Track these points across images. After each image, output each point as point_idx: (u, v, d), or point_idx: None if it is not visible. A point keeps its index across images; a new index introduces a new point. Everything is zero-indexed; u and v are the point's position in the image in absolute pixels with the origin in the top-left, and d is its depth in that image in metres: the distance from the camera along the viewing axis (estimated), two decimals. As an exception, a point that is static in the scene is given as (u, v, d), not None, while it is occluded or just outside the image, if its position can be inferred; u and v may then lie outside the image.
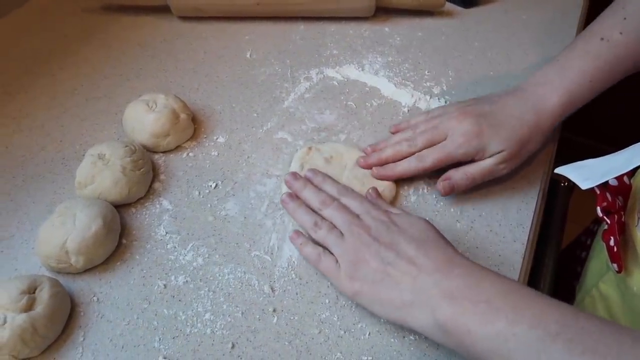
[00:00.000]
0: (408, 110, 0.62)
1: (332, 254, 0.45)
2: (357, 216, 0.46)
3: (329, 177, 0.51)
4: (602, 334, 0.33)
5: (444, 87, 0.65)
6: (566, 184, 0.69)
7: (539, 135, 0.53)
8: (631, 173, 0.52)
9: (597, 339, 0.33)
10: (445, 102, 0.63)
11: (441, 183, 0.52)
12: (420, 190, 0.54)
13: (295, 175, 0.51)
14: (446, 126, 0.52)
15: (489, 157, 0.51)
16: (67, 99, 0.62)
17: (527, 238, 0.51)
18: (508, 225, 0.51)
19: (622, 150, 0.48)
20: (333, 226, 0.46)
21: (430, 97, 0.64)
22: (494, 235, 0.51)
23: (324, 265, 0.45)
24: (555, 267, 0.64)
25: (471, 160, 0.52)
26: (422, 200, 0.53)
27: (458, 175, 0.51)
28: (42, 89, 0.63)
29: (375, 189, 0.51)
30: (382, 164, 0.53)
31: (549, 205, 0.70)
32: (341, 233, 0.45)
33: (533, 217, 0.52)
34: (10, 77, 0.64)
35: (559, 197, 0.71)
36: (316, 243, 0.47)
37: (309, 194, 0.49)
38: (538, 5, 0.78)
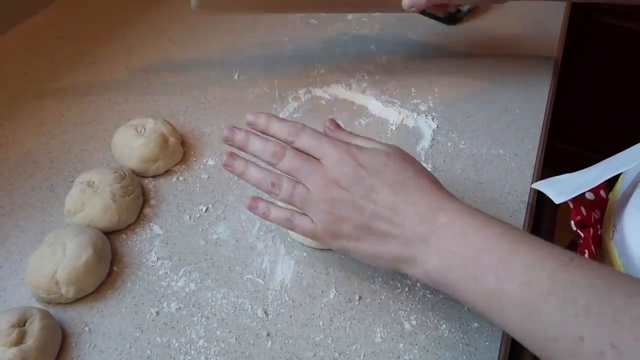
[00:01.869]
0: (396, 128, 0.63)
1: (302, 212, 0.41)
2: (318, 160, 0.40)
3: (274, 115, 0.44)
4: (595, 292, 0.31)
5: (431, 104, 0.66)
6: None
7: None
8: (608, 187, 0.53)
9: (591, 298, 0.30)
10: (433, 119, 0.64)
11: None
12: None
13: (233, 129, 0.43)
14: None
15: None
16: (55, 125, 0.62)
17: (517, 253, 0.51)
18: (498, 240, 0.52)
19: (595, 165, 0.49)
20: (295, 181, 0.41)
21: (417, 115, 0.64)
22: (484, 251, 0.51)
23: (300, 228, 0.41)
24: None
25: None
26: (413, 218, 0.53)
27: None
28: (29, 115, 0.63)
29: (333, 120, 0.46)
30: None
31: (537, 215, 0.71)
32: (306, 187, 0.40)
33: (522, 229, 0.53)
34: (-3, 103, 0.64)
35: (546, 206, 0.72)
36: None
37: (255, 147, 0.42)
38: (519, 22, 0.80)
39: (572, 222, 0.48)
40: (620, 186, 0.51)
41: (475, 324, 0.45)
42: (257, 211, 0.43)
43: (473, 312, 0.41)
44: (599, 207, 0.51)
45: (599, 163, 0.49)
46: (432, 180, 0.40)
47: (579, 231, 0.48)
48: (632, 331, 0.28)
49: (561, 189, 0.47)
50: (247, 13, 0.61)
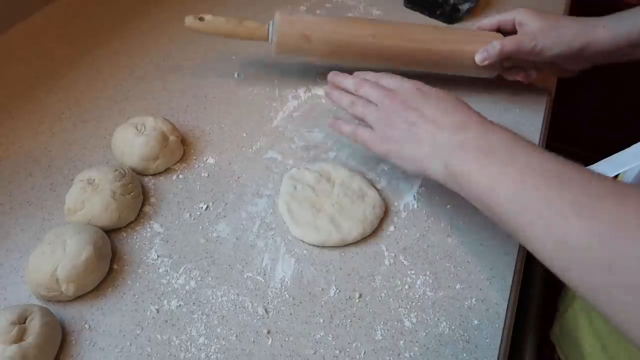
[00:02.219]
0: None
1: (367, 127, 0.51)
2: (391, 90, 0.51)
3: (370, 71, 0.55)
4: (586, 189, 0.35)
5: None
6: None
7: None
8: None
9: (582, 192, 0.35)
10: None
11: (478, 54, 0.62)
12: (411, 206, 0.54)
13: (336, 72, 0.57)
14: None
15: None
16: (55, 124, 0.62)
17: (517, 250, 0.51)
18: (499, 238, 0.52)
19: (595, 164, 0.50)
20: (369, 102, 0.51)
21: (417, 113, 0.64)
22: (484, 249, 0.51)
23: (361, 134, 0.51)
24: (544, 277, 0.65)
25: None
26: (413, 215, 0.53)
27: (493, 47, 0.61)
28: (29, 114, 0.63)
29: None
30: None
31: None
32: (376, 105, 0.51)
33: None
34: (-3, 102, 0.64)
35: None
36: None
37: (348, 83, 0.55)
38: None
39: None
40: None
41: (476, 322, 0.45)
42: (335, 125, 0.55)
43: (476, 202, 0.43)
44: None
45: (598, 162, 0.49)
46: (472, 109, 0.48)
47: None
48: (590, 191, 0.35)
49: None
50: (320, 60, 0.65)
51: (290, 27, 0.62)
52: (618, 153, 0.50)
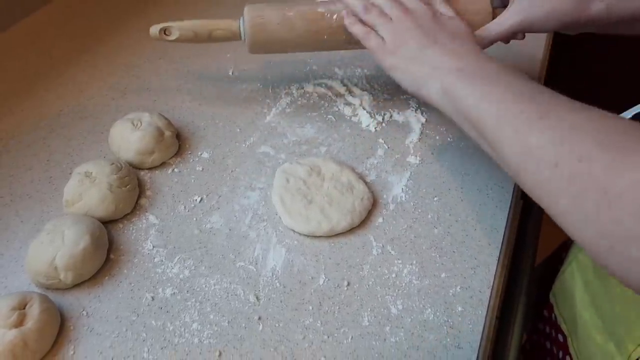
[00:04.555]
0: (386, 123, 0.64)
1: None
2: (408, 9, 0.53)
3: None
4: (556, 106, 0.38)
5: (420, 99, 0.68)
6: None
7: None
8: None
9: (560, 115, 0.37)
10: (422, 113, 0.66)
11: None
12: (399, 198, 0.56)
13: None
14: None
15: None
16: (54, 120, 0.63)
17: (501, 241, 0.53)
18: (483, 229, 0.54)
19: None
20: (384, 12, 0.53)
21: (407, 109, 0.66)
22: (470, 240, 0.53)
23: (372, 41, 0.53)
24: (532, 264, 0.67)
25: None
26: (400, 208, 0.55)
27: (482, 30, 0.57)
28: (29, 110, 0.64)
29: None
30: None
31: (526, 209, 0.72)
32: (390, 19, 0.53)
33: (507, 221, 0.55)
34: (-3, 99, 0.66)
35: (534, 201, 0.74)
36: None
37: None
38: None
39: None
40: None
41: (460, 308, 0.47)
42: (346, 20, 0.56)
43: (466, 122, 0.45)
44: None
45: None
46: (482, 50, 0.50)
47: None
48: (557, 107, 0.38)
49: None
50: (293, 51, 0.61)
51: (260, 27, 0.58)
52: None
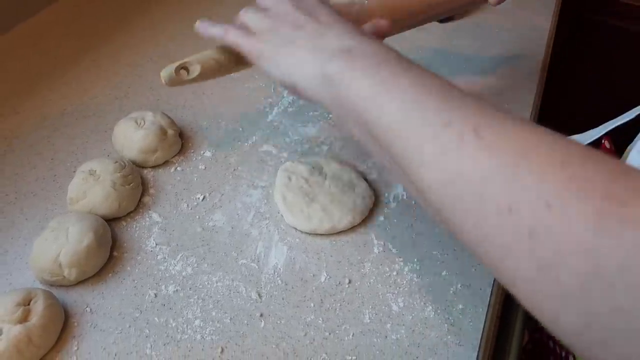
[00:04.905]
0: (387, 121, 0.65)
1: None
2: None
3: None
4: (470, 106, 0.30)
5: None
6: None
7: None
8: (617, 157, 0.55)
9: (472, 112, 0.30)
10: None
11: None
12: (400, 197, 0.56)
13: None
14: None
15: None
16: (58, 119, 0.64)
17: (502, 239, 0.53)
18: (484, 228, 0.54)
19: (600, 126, 0.52)
20: (262, 9, 0.44)
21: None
22: (471, 238, 0.53)
23: (233, 34, 0.44)
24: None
25: None
26: (402, 206, 0.55)
27: None
28: (33, 110, 0.65)
29: None
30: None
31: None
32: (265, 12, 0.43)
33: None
34: (2, 98, 0.66)
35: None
36: None
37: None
38: (509, 20, 0.82)
39: None
40: (626, 154, 0.53)
41: (460, 306, 0.47)
42: (200, 27, 0.48)
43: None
44: None
45: (605, 123, 0.52)
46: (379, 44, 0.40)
47: None
48: (495, 118, 0.28)
49: None
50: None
51: None
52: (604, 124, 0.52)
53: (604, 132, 0.49)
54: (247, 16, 0.44)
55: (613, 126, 0.48)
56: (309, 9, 0.42)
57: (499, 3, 0.54)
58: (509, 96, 0.69)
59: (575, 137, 0.53)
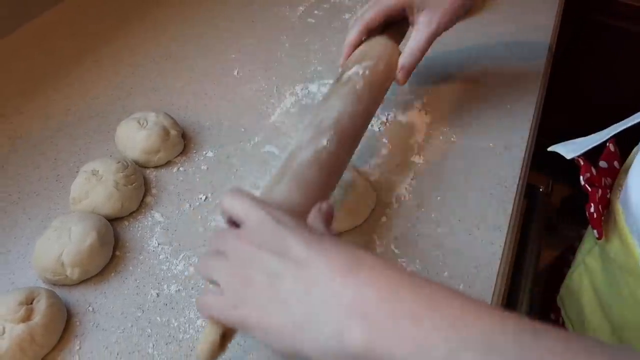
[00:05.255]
0: (390, 123, 0.65)
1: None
2: (241, 228, 0.35)
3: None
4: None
5: (424, 100, 0.68)
6: (543, 189, 0.72)
7: None
8: (621, 160, 0.55)
9: None
10: (426, 113, 0.66)
11: (398, 75, 0.54)
12: (402, 197, 0.56)
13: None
14: None
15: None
16: (61, 119, 0.64)
17: (504, 240, 0.53)
18: (486, 229, 0.54)
19: (605, 130, 0.52)
20: (217, 253, 0.35)
21: (412, 109, 0.66)
22: (473, 239, 0.53)
23: (202, 302, 0.34)
24: (535, 267, 0.67)
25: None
26: (404, 207, 0.55)
27: (405, 58, 0.54)
28: (37, 110, 0.65)
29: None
30: None
31: (530, 210, 0.73)
32: (224, 256, 0.34)
33: (510, 220, 0.55)
34: (6, 98, 0.67)
35: (538, 202, 0.74)
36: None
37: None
38: (512, 21, 0.82)
39: (582, 177, 0.51)
40: (632, 158, 0.53)
41: (462, 307, 0.47)
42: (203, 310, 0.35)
43: None
44: (611, 176, 0.54)
45: (610, 127, 0.52)
46: (353, 244, 0.33)
47: (587, 186, 0.51)
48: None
49: (573, 147, 0.49)
50: None
51: None
52: (612, 126, 0.52)
53: (608, 137, 0.49)
54: (211, 267, 0.35)
55: (617, 130, 0.48)
56: (274, 243, 0.32)
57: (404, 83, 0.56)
58: (511, 96, 0.69)
59: (579, 140, 0.52)
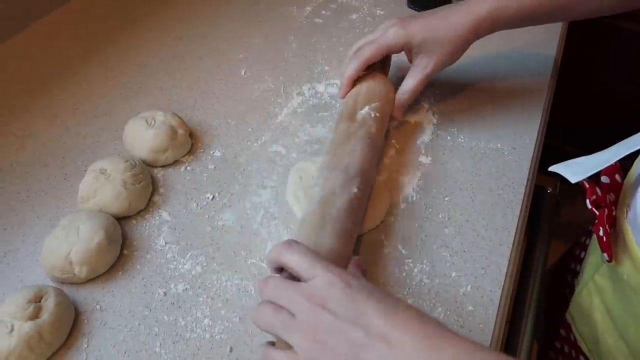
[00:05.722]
0: (397, 123, 0.65)
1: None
2: (310, 289, 0.35)
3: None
4: None
5: (432, 100, 0.68)
6: (551, 190, 0.71)
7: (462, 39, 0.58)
8: (623, 172, 0.55)
9: None
10: (433, 114, 0.66)
11: (395, 112, 0.60)
12: (410, 198, 0.56)
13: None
14: None
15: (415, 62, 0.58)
16: (69, 118, 0.64)
17: (512, 241, 0.53)
18: (494, 229, 0.53)
19: (609, 148, 0.51)
20: (279, 307, 0.36)
21: (419, 110, 0.66)
22: (480, 240, 0.53)
23: (271, 358, 0.35)
24: (543, 268, 0.66)
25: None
26: (412, 207, 0.55)
27: (403, 96, 0.59)
28: (45, 109, 0.65)
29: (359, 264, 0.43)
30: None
31: (537, 212, 0.72)
32: (290, 312, 0.35)
33: (518, 222, 0.55)
34: (13, 98, 0.67)
35: (546, 203, 0.74)
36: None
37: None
38: (520, 21, 0.81)
39: (588, 200, 0.50)
40: (635, 170, 0.52)
41: (470, 307, 0.47)
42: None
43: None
44: (614, 190, 0.53)
45: (613, 146, 0.51)
46: (419, 309, 0.36)
47: (594, 209, 0.50)
48: None
49: (577, 169, 0.49)
50: None
51: None
52: (632, 136, 0.51)
53: (616, 159, 0.48)
54: (274, 323, 0.35)
55: (625, 153, 0.47)
56: (352, 312, 0.33)
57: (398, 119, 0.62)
58: (520, 97, 0.69)
59: (580, 160, 0.51)
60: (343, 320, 0.33)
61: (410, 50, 0.59)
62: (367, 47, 0.58)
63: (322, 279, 0.35)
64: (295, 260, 0.37)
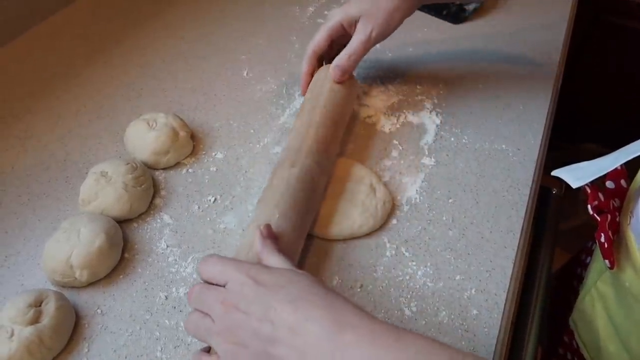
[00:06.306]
0: (400, 124, 0.64)
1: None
2: (222, 290, 0.37)
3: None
4: None
5: (435, 101, 0.67)
6: (556, 191, 0.71)
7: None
8: (629, 178, 0.54)
9: None
10: (437, 115, 0.65)
11: (332, 71, 0.59)
12: (413, 200, 0.55)
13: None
14: None
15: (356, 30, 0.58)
16: (71, 120, 0.64)
17: (517, 244, 0.52)
18: (499, 232, 0.53)
19: (612, 153, 0.50)
20: (204, 314, 0.37)
21: (422, 111, 0.66)
22: (485, 242, 0.52)
23: None
24: (549, 271, 0.66)
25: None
26: (415, 209, 0.55)
27: (341, 59, 0.59)
28: (46, 111, 0.65)
29: (268, 225, 0.44)
30: None
31: (542, 213, 0.71)
32: (212, 318, 0.37)
33: (523, 223, 0.54)
34: (16, 99, 0.67)
35: (551, 204, 0.73)
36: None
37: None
38: (524, 21, 0.81)
39: (589, 206, 0.49)
40: None
41: (475, 311, 0.46)
42: None
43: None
44: (619, 196, 0.52)
45: (616, 151, 0.50)
46: (345, 298, 0.36)
47: (596, 216, 0.49)
48: None
49: (579, 174, 0.48)
50: None
51: None
52: (636, 141, 0.50)
53: (617, 165, 0.47)
54: (203, 330, 0.37)
55: (629, 158, 0.46)
56: (259, 306, 0.35)
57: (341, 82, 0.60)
58: (524, 98, 0.68)
59: (584, 165, 0.50)
60: (253, 318, 0.35)
61: (350, 23, 0.60)
62: (314, 36, 0.61)
63: (234, 282, 0.37)
64: (209, 271, 0.38)
